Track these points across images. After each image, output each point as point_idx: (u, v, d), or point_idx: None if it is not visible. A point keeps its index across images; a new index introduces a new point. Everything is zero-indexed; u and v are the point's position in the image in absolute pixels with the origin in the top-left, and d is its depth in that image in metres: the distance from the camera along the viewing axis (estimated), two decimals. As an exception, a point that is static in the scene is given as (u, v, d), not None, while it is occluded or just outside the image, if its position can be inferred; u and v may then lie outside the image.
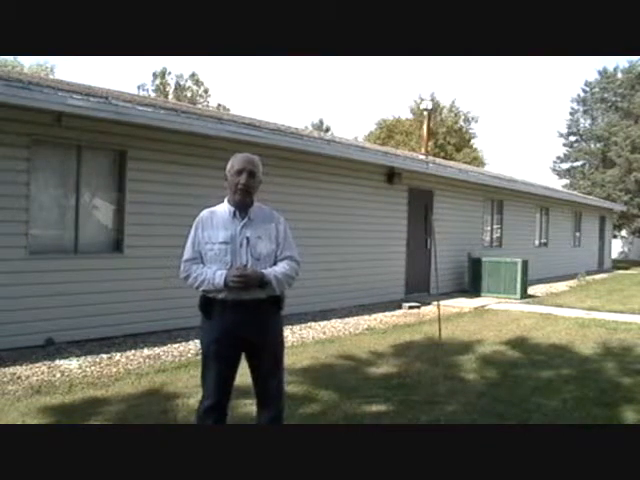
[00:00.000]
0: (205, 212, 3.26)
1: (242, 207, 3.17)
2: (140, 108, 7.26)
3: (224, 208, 3.22)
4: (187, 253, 3.20)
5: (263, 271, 3.08)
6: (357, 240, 10.93)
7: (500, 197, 16.07)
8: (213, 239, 3.13)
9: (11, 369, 5.76)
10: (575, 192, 28.35)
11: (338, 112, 69.90)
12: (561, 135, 37.89)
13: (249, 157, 3.21)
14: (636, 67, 33.94)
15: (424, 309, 10.98)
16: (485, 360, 6.77)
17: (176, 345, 7.06)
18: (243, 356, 3.22)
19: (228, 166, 3.21)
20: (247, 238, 3.11)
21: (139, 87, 41.77)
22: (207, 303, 3.15)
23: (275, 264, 3.17)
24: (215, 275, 3.04)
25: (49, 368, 5.87)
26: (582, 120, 37.51)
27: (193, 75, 43.86)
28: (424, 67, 69.45)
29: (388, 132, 37.40)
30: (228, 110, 35.25)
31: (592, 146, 36.22)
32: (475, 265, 13.53)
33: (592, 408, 4.97)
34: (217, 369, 3.14)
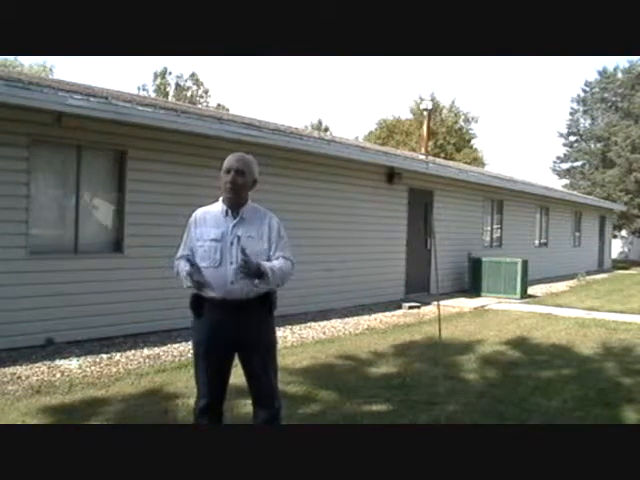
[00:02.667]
0: (199, 211, 3.28)
1: (234, 206, 3.17)
2: (140, 108, 7.26)
3: (218, 207, 3.24)
4: (179, 251, 3.26)
5: (260, 262, 3.06)
6: (357, 240, 10.92)
7: (500, 197, 16.07)
8: (205, 236, 3.14)
9: (11, 369, 5.76)
10: (575, 192, 28.34)
11: (338, 112, 69.89)
12: (561, 135, 37.88)
13: (239, 156, 3.22)
14: (636, 67, 33.91)
15: (424, 309, 10.98)
16: (485, 360, 6.77)
17: (176, 345, 7.06)
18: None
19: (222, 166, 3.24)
20: (238, 237, 3.11)
21: (139, 88, 41.78)
22: (197, 302, 3.16)
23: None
24: (185, 267, 3.06)
25: (49, 368, 5.86)
26: (582, 120, 37.49)
27: (193, 75, 43.87)
28: (424, 67, 69.45)
29: (388, 132, 37.39)
30: (228, 110, 35.24)
31: (592, 146, 36.20)
32: (475, 265, 13.53)
33: (592, 408, 4.97)
34: (208, 369, 3.15)
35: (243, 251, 3.01)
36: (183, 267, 3.09)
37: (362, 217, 11.02)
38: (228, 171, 3.15)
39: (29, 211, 6.62)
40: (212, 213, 3.22)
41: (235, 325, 3.10)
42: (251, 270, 3.00)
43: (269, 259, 3.16)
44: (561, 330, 8.94)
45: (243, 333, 3.11)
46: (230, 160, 3.19)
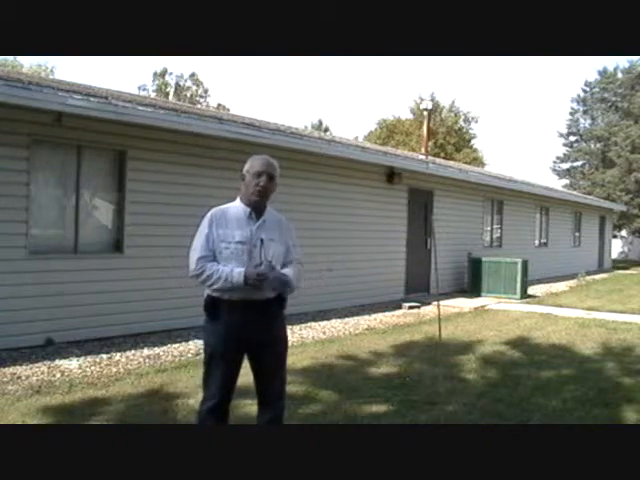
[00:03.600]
0: (217, 210, 3.19)
1: (258, 208, 3.17)
2: (140, 108, 7.25)
3: (237, 207, 3.19)
4: (200, 251, 3.09)
5: (283, 271, 3.11)
6: (357, 240, 10.92)
7: (500, 197, 16.06)
8: (229, 238, 3.09)
9: (11, 369, 5.76)
10: (575, 192, 28.34)
11: (338, 112, 69.93)
12: (561, 135, 37.92)
13: (270, 160, 3.23)
14: (636, 67, 33.93)
15: (424, 309, 10.98)
16: (485, 360, 6.77)
17: (176, 345, 7.06)
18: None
19: (247, 166, 3.20)
20: (261, 240, 3.11)
21: (139, 88, 41.78)
22: (213, 304, 3.13)
23: (284, 266, 3.19)
24: (233, 273, 3.00)
25: (49, 368, 5.86)
26: (582, 120, 37.54)
27: (193, 75, 43.88)
28: (424, 67, 69.48)
29: (388, 132, 37.39)
30: (228, 110, 35.24)
31: (592, 146, 36.23)
32: (475, 265, 13.53)
33: (592, 408, 4.97)
34: (223, 370, 3.13)
35: (261, 264, 3.04)
36: (230, 273, 3.00)
37: (362, 217, 11.02)
38: (259, 175, 3.13)
39: (29, 211, 6.61)
40: (232, 214, 3.16)
41: (253, 325, 3.09)
42: (272, 284, 3.04)
43: (283, 261, 3.20)
44: (561, 330, 8.94)
45: (261, 333, 3.12)
46: (260, 163, 3.17)
